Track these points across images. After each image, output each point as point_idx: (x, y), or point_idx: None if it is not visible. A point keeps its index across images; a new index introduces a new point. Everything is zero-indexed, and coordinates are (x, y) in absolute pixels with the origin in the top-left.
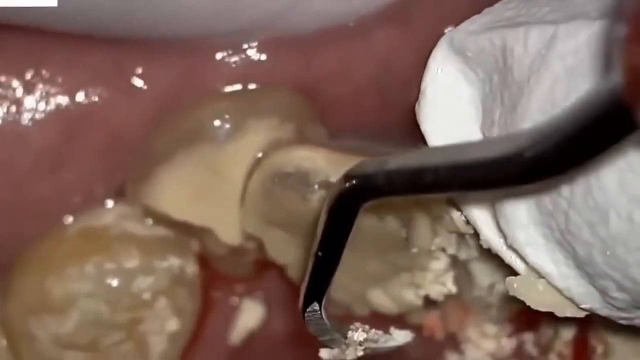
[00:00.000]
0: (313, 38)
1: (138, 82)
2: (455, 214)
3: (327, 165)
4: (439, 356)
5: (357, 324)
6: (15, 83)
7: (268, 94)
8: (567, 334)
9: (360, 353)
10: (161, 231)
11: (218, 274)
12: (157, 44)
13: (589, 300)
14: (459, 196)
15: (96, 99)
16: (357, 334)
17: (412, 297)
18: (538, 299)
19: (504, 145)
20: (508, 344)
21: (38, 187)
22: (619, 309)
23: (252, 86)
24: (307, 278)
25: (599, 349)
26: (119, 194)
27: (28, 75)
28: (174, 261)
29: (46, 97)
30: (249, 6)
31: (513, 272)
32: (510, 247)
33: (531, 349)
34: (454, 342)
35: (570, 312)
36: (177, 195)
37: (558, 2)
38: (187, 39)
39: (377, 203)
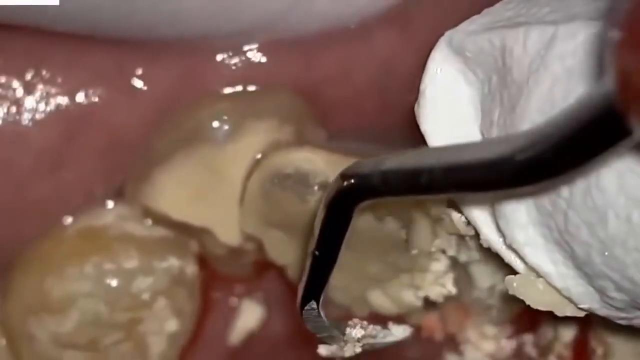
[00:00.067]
0: (313, 40)
1: (138, 83)
2: (456, 216)
3: (326, 167)
4: (438, 357)
5: (355, 320)
6: (16, 83)
7: (268, 96)
8: (567, 335)
9: (359, 350)
10: (160, 232)
11: (217, 274)
12: (157, 44)
13: (588, 300)
14: (458, 196)
15: (96, 99)
16: (355, 331)
17: (411, 298)
18: (538, 298)
19: (497, 147)
20: (507, 345)
21: (38, 187)
22: (617, 309)
23: (252, 88)
24: (304, 277)
25: (599, 350)
26: (119, 194)
27: (28, 76)
28: (173, 262)
29: (46, 97)
30: (249, 8)
31: (513, 273)
32: (510, 247)
33: (531, 350)
34: (453, 343)
35: (570, 311)
36: (177, 195)
37: (558, 2)
38: (187, 40)
39: (374, 203)
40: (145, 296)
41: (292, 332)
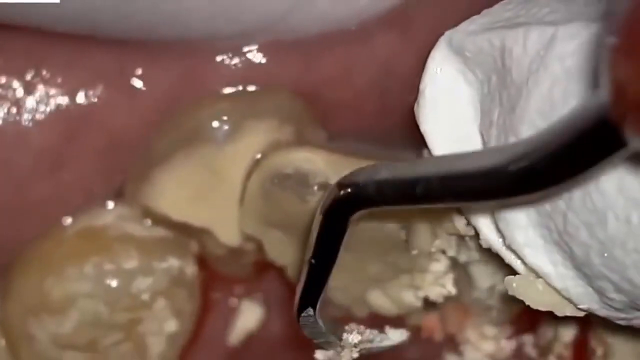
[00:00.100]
0: (314, 41)
1: (138, 83)
2: (455, 217)
3: (326, 167)
4: (438, 357)
5: (352, 325)
6: (16, 83)
7: (267, 96)
8: (567, 335)
9: (356, 355)
10: (160, 232)
11: (217, 275)
12: (157, 45)
13: (587, 300)
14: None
15: (96, 99)
16: (352, 336)
17: (411, 298)
18: (537, 299)
19: (492, 157)
20: (507, 345)
21: (38, 187)
22: (616, 309)
23: (252, 88)
24: (301, 284)
25: (599, 350)
26: (119, 195)
27: (28, 76)
28: (173, 262)
29: (46, 97)
30: (250, 9)
31: (513, 274)
32: (509, 248)
33: (530, 350)
34: (453, 343)
35: (569, 311)
36: (176, 195)
37: (557, 3)
38: (187, 41)
39: (371, 212)
40: (145, 296)
41: (291, 333)
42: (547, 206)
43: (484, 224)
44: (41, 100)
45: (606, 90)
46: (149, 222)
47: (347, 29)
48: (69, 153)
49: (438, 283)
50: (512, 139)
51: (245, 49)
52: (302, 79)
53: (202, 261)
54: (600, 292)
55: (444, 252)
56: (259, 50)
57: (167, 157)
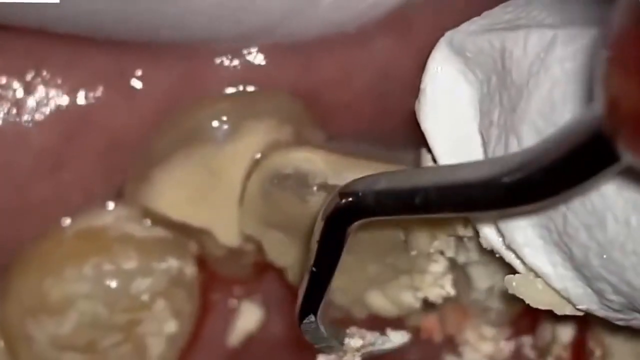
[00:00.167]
0: (313, 44)
1: (138, 84)
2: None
3: (325, 167)
4: (437, 358)
5: (354, 329)
6: (16, 84)
7: (267, 96)
8: (566, 337)
9: (358, 359)
10: (160, 232)
11: (217, 275)
12: (158, 47)
13: (586, 301)
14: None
15: (96, 100)
16: (354, 341)
17: (410, 299)
18: (537, 298)
19: (487, 169)
20: (506, 346)
21: (38, 188)
22: (615, 310)
23: (251, 89)
24: (302, 291)
25: (597, 352)
26: (118, 195)
27: (29, 76)
28: (172, 263)
29: (46, 98)
30: (252, 12)
31: (511, 274)
32: (508, 248)
33: (529, 351)
34: (452, 344)
35: (569, 310)
36: (176, 196)
37: (557, 6)
38: (188, 43)
39: (371, 222)
40: (145, 297)
41: (291, 334)
42: (554, 207)
43: (485, 224)
44: (41, 101)
45: (600, 104)
46: (148, 222)
47: (346, 32)
48: (68, 153)
49: (437, 284)
50: (512, 139)
51: (245, 51)
52: (301, 81)
53: (202, 262)
54: (599, 293)
55: (442, 253)
56: (258, 52)
57: (166, 157)
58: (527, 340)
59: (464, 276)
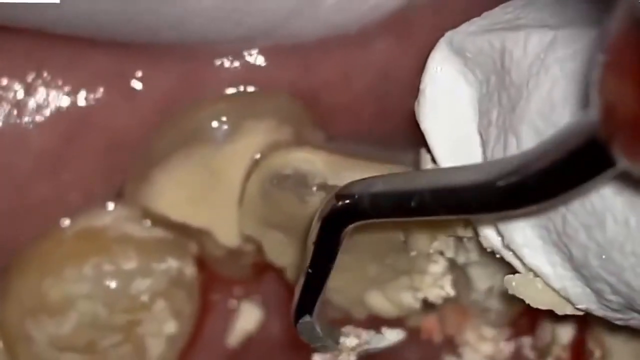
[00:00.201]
0: (313, 45)
1: (138, 85)
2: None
3: (325, 168)
4: (437, 359)
5: (349, 328)
6: (16, 85)
7: (266, 97)
8: (565, 337)
9: (353, 358)
10: (159, 233)
11: (216, 276)
12: (158, 48)
13: (585, 301)
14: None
15: (97, 101)
16: (350, 340)
17: (410, 300)
18: (537, 298)
19: (482, 172)
20: (506, 347)
21: (38, 188)
22: (614, 310)
23: (251, 90)
24: (298, 292)
25: (597, 352)
26: (118, 196)
27: (29, 77)
28: (172, 263)
29: (47, 99)
30: (253, 13)
31: (511, 274)
32: (507, 248)
33: (529, 352)
34: (451, 345)
35: (570, 309)
36: (176, 196)
37: (557, 7)
38: (189, 44)
39: (366, 224)
40: (144, 298)
41: (290, 335)
42: (551, 208)
43: (484, 224)
44: (42, 102)
45: (596, 109)
46: (148, 223)
47: (347, 33)
48: (69, 154)
49: (437, 284)
50: (511, 139)
51: (246, 53)
52: (301, 83)
53: (202, 262)
54: (597, 293)
55: (442, 253)
56: (259, 53)
57: (166, 158)
58: (526, 340)
59: (464, 277)
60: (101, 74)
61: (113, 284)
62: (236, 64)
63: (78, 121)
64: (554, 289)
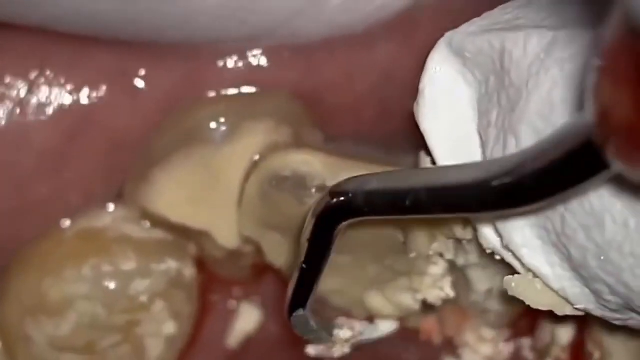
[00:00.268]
0: (318, 46)
1: (141, 84)
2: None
3: (324, 170)
4: None
5: (343, 320)
6: (19, 83)
7: (265, 98)
8: (565, 339)
9: (347, 350)
10: (159, 234)
11: (216, 277)
12: (161, 47)
13: (584, 301)
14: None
15: (99, 99)
16: (343, 332)
17: (409, 301)
18: (537, 298)
19: (477, 172)
20: (505, 348)
21: (39, 188)
22: (612, 310)
23: (253, 90)
24: (292, 286)
25: (596, 354)
26: (118, 196)
27: (32, 76)
28: (171, 264)
29: (49, 97)
30: (256, 13)
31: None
32: (506, 248)
33: (528, 353)
34: (451, 346)
35: (569, 310)
36: (175, 197)
37: (556, 8)
38: (192, 43)
39: (360, 221)
40: (143, 298)
41: (290, 336)
42: (546, 208)
43: (484, 224)
44: (44, 100)
45: (591, 112)
46: (147, 224)
47: (351, 34)
48: (71, 153)
49: (436, 286)
50: (510, 139)
51: (249, 52)
52: (303, 83)
53: (201, 263)
54: (596, 294)
55: (442, 255)
56: (262, 53)
57: (166, 158)
58: (526, 342)
59: (463, 278)
60: (104, 72)
61: (112, 285)
62: (239, 63)
63: (80, 119)
64: (552, 290)
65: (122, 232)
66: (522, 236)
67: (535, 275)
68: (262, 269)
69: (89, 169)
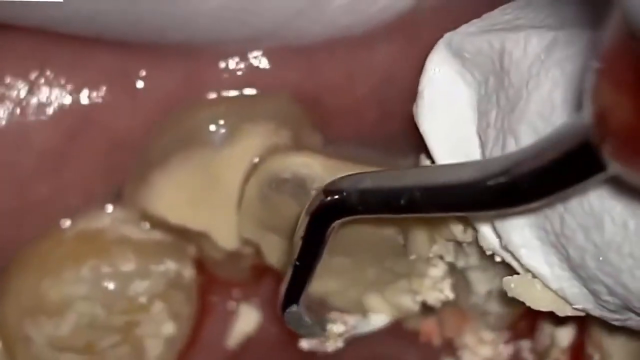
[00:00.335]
0: (319, 47)
1: (141, 85)
2: (452, 223)
3: (323, 172)
4: None
5: (336, 314)
6: (20, 84)
7: (265, 100)
8: (564, 341)
9: (341, 344)
10: (158, 235)
11: (215, 278)
12: (162, 47)
13: (582, 301)
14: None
15: (99, 100)
16: (337, 326)
17: (409, 303)
18: (537, 299)
19: (473, 171)
20: (505, 350)
21: (39, 188)
22: (611, 311)
23: (253, 92)
24: (285, 283)
25: (596, 356)
26: (117, 198)
27: (32, 76)
28: (170, 265)
29: (50, 97)
30: (258, 15)
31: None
32: (505, 249)
33: (528, 355)
34: (451, 348)
35: (570, 310)
36: (174, 199)
37: (555, 8)
38: (193, 44)
39: (355, 220)
40: (142, 299)
41: (289, 337)
42: (544, 207)
43: (483, 224)
44: (45, 101)
45: (589, 113)
46: (147, 225)
47: (353, 35)
48: (71, 153)
49: (436, 288)
50: (510, 140)
51: (250, 54)
52: (304, 84)
53: (200, 265)
54: (594, 294)
55: (441, 257)
56: (263, 54)
57: (165, 159)
58: (525, 344)
59: (463, 280)
60: (104, 73)
61: (111, 286)
62: (240, 64)
63: (80, 120)
64: (552, 290)
65: (122, 233)
66: (520, 236)
67: (534, 276)
68: (261, 270)
69: (89, 169)
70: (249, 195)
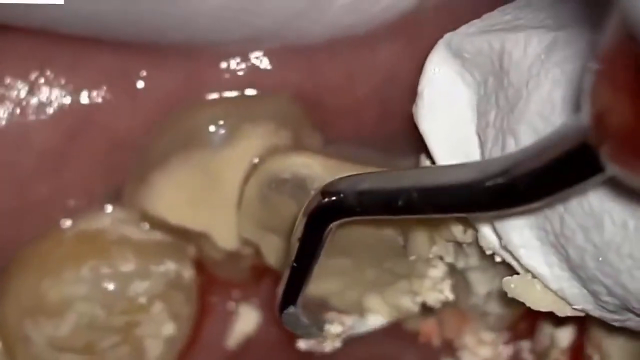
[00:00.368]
0: (320, 47)
1: (142, 85)
2: (452, 224)
3: (323, 172)
4: None
5: (333, 314)
6: (20, 84)
7: (265, 100)
8: (564, 341)
9: (338, 344)
10: (158, 236)
11: (215, 279)
12: (163, 48)
13: (582, 301)
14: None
15: (100, 100)
16: (334, 327)
17: (409, 304)
18: (537, 299)
19: (471, 172)
20: (505, 351)
21: (39, 188)
22: (610, 311)
23: (254, 92)
24: (282, 284)
25: (595, 357)
26: (117, 198)
27: (32, 76)
28: (170, 266)
29: (50, 98)
30: (259, 15)
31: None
32: (505, 249)
33: (527, 356)
34: (450, 349)
35: (570, 310)
36: (174, 199)
37: (555, 9)
38: (194, 45)
39: (354, 221)
40: (142, 300)
41: (288, 337)
42: (544, 208)
43: (483, 224)
44: (45, 101)
45: (587, 115)
46: (146, 225)
47: (355, 35)
48: (71, 153)
49: (436, 289)
50: (509, 140)
51: (251, 54)
52: (305, 85)
53: (200, 265)
54: (594, 295)
55: (441, 258)
56: (264, 55)
57: (165, 160)
58: (525, 344)
59: (463, 281)
60: (105, 73)
61: (111, 286)
62: (241, 65)
63: (80, 120)
64: (551, 290)
65: (121, 234)
66: (520, 236)
67: (534, 276)
68: (261, 270)
69: (88, 169)
70: (248, 196)
